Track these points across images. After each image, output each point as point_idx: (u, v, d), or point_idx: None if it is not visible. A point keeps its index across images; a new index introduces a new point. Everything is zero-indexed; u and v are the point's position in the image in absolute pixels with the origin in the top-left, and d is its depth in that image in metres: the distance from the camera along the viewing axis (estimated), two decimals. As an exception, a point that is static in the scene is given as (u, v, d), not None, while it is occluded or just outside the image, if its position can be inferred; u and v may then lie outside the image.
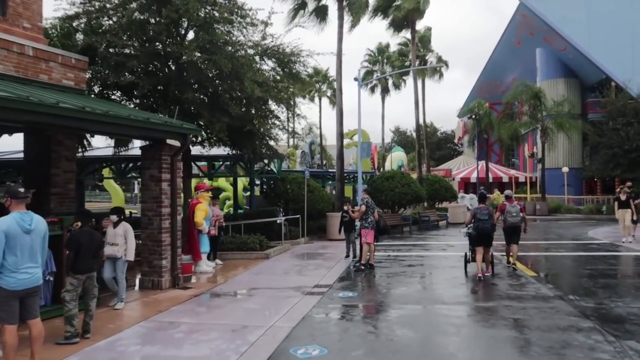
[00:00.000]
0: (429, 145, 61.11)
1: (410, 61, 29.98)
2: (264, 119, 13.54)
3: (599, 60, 34.74)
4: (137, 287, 9.11)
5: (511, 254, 10.57)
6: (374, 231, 11.14)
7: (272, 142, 15.14)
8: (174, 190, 9.24)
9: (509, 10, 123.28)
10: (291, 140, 56.33)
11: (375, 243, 11.61)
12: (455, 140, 72.28)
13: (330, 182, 22.76)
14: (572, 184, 35.62)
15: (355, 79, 18.94)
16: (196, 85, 11.92)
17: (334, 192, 23.63)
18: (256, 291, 8.85)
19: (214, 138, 12.92)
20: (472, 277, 9.73)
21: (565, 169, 33.97)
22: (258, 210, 17.22)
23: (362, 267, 10.78)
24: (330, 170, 23.75)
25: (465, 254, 10.43)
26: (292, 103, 14.25)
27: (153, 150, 9.11)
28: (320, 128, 46.03)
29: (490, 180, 40.10)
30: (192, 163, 18.14)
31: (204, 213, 10.91)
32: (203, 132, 13.21)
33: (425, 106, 32.65)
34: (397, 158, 51.35)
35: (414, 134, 50.12)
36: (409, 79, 38.43)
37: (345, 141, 35.39)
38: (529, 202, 33.52)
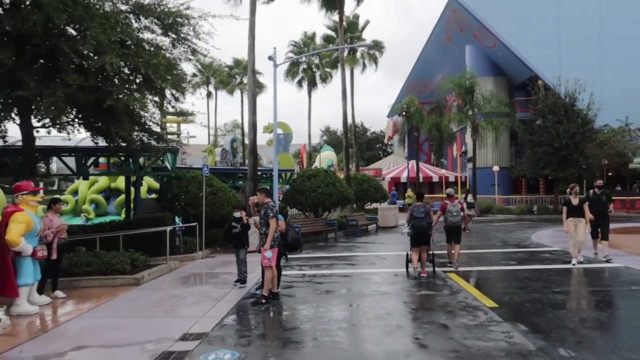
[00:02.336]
0: (359, 145, 59.32)
1: (338, 47, 27.26)
2: (137, 93, 10.01)
3: (527, 58, 34.25)
4: None
5: (453, 252, 10.57)
6: (279, 248, 8.13)
7: (157, 128, 11.72)
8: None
9: (420, 17, 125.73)
10: (211, 138, 52.33)
11: (289, 255, 8.70)
12: (385, 141, 71.52)
13: (241, 181, 19.46)
14: (501, 183, 34.84)
15: (270, 58, 15.81)
16: (15, 45, 8.24)
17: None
18: (76, 354, 5.48)
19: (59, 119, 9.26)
20: (411, 312, 6.96)
21: (496, 168, 32.99)
22: (142, 217, 13.60)
23: (264, 300, 7.68)
24: (242, 167, 20.46)
25: (407, 254, 10.25)
26: (172, 77, 10.72)
27: None
28: (242, 124, 42.50)
29: (421, 180, 38.63)
30: (57, 157, 14.16)
31: (24, 227, 7.30)
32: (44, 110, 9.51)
33: (354, 101, 30.11)
34: (326, 157, 49.15)
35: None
36: (338, 74, 35.97)
37: (268, 136, 32.25)
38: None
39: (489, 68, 38.15)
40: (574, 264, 10.19)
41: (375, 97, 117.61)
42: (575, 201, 10.52)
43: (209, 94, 50.23)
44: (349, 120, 30.76)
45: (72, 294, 8.66)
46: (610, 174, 34.26)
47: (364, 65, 32.66)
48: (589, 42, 34.00)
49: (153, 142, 11.82)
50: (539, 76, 32.79)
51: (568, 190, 11.06)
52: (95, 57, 8.13)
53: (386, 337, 5.76)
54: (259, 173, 19.50)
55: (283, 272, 10.04)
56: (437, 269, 10.26)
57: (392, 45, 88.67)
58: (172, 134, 74.24)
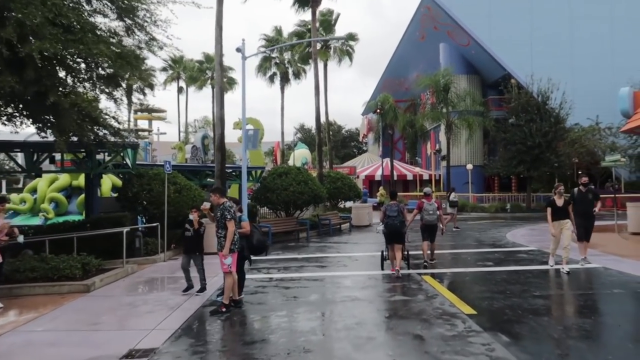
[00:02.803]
0: (334, 142, 58.62)
1: (311, 39, 26.61)
2: (90, 84, 9.20)
3: (500, 57, 34.34)
4: None
5: (429, 251, 10.61)
6: (243, 252, 7.48)
7: (114, 123, 10.84)
8: None
9: (393, 16, 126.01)
10: (182, 134, 51.05)
11: (254, 258, 8.13)
12: (360, 139, 71.34)
13: (210, 179, 18.65)
14: (474, 181, 34.90)
15: (238, 50, 15.07)
16: None
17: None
18: (-1, 379, 4.75)
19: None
20: (383, 321, 6.40)
21: (469, 166, 32.93)
22: (100, 217, 12.71)
23: (224, 309, 7.01)
24: (210, 164, 19.67)
25: (382, 252, 10.35)
26: (137, 73, 9.82)
27: None
28: (213, 121, 41.41)
29: (395, 177, 38.42)
30: (5, 153, 13.15)
31: (-51, 229, 6.47)
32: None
33: (328, 97, 29.53)
34: (300, 155, 48.58)
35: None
36: (311, 70, 35.45)
37: (239, 133, 31.34)
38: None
39: (462, 66, 38.15)
40: (551, 265, 9.68)
41: (350, 96, 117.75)
42: (559, 202, 9.38)
43: (180, 90, 48.90)
44: (323, 117, 30.18)
45: (12, 303, 7.81)
46: (580, 172, 34.68)
47: (339, 60, 32.06)
48: (560, 41, 34.32)
49: (110, 137, 10.98)
50: (512, 75, 32.90)
51: (554, 190, 9.80)
52: (8, 32, 7.11)
53: (356, 351, 5.18)
54: (228, 170, 18.73)
55: (249, 276, 9.43)
56: (412, 271, 9.81)
57: (365, 45, 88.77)
58: (143, 130, 72.52)
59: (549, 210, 9.53)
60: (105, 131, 10.57)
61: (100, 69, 9.64)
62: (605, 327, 5.82)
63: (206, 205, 7.44)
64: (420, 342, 5.42)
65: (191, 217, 8.34)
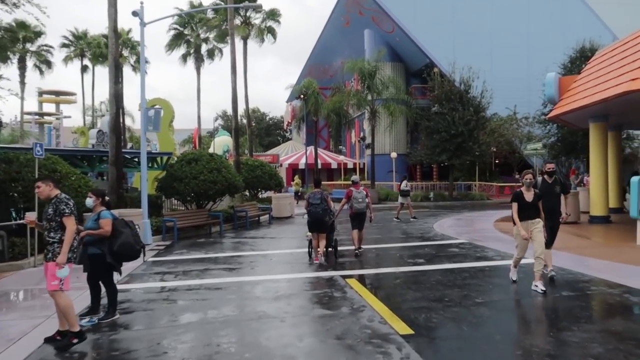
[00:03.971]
0: (258, 130, 56.48)
1: (227, 6, 24.36)
2: None
3: (423, 45, 34.12)
4: None
5: (357, 240, 10.25)
6: (105, 259, 5.63)
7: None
8: None
9: (318, 7, 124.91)
10: (88, 118, 46.53)
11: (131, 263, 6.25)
12: (285, 126, 69.78)
13: (107, 165, 16.13)
14: (398, 170, 34.63)
15: (135, 13, 12.78)
16: None
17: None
18: None
19: None
20: (295, 351, 4.87)
21: (393, 155, 32.45)
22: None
23: (75, 340, 5.10)
24: (104, 149, 17.10)
25: (310, 240, 9.93)
26: None
27: None
28: (123, 103, 37.71)
29: (320, 166, 37.30)
30: None
31: None
32: None
33: (247, 78, 27.48)
34: (222, 143, 45.97)
35: (243, 118, 45.07)
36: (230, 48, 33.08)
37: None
38: (359, 190, 31.21)
39: (387, 53, 37.45)
40: (514, 280, 7.39)
41: (275, 84, 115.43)
42: (529, 196, 7.02)
43: (84, 69, 44.24)
44: (242, 103, 28.21)
45: None
46: (497, 161, 35.58)
47: (262, 39, 29.97)
48: (481, 32, 34.72)
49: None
50: (435, 63, 32.78)
51: (520, 179, 7.45)
52: None
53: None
54: (127, 156, 16.31)
55: (134, 285, 7.59)
56: (335, 272, 8.48)
57: (290, 38, 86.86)
58: (49, 114, 65.52)
59: (514, 206, 7.03)
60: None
61: None
62: (572, 349, 4.68)
63: (30, 216, 5.28)
64: (344, 386, 3.95)
65: None
